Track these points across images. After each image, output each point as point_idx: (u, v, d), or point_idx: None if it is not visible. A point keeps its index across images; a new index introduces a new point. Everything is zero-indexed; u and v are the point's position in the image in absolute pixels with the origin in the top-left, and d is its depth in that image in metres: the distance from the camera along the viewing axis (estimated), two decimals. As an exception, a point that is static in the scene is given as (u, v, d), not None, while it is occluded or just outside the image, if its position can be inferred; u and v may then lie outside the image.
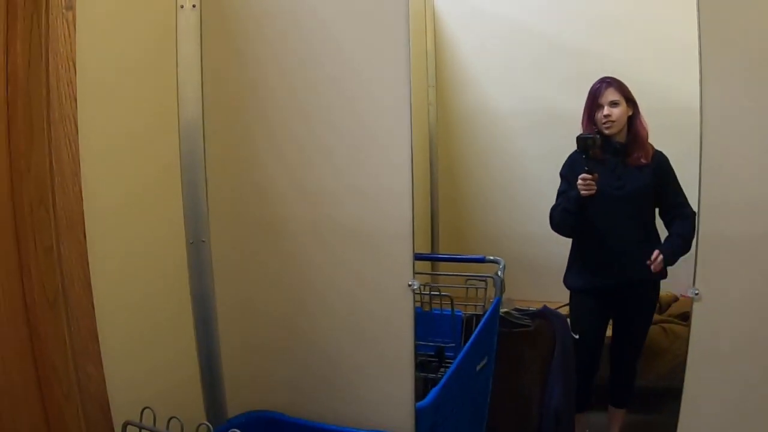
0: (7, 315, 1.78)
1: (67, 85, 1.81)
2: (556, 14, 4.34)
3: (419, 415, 2.23)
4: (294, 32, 2.25)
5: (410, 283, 2.20)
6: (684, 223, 3.16)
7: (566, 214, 3.26)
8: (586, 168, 3.11)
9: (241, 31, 2.31)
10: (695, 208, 2.04)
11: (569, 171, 3.32)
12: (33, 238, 1.81)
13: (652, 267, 3.08)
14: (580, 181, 3.11)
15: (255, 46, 2.30)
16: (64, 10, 1.80)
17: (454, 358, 2.81)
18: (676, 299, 4.15)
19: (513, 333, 3.12)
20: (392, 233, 2.21)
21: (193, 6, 2.28)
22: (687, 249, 3.11)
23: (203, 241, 2.37)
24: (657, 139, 3.33)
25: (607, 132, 3.24)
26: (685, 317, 3.86)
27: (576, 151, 3.27)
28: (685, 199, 3.23)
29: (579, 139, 3.17)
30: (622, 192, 3.22)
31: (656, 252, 3.10)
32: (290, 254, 2.38)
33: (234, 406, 2.49)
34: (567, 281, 3.43)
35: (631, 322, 3.39)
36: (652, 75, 4.12)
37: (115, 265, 2.04)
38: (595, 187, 3.10)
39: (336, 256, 2.32)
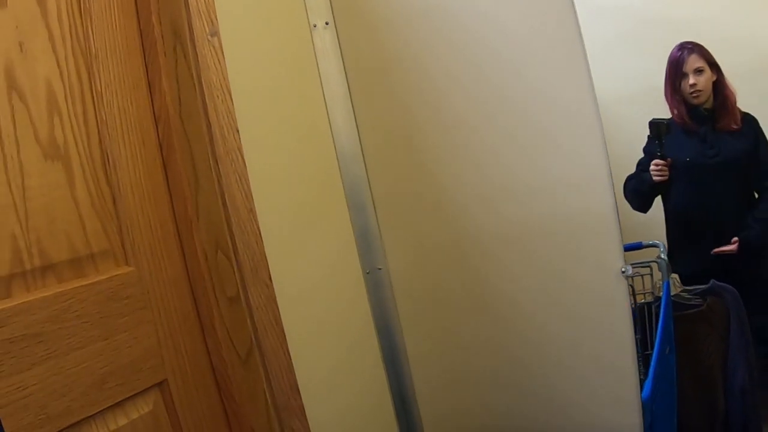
0: (194, 382, 1.49)
1: (227, 115, 1.52)
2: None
3: (644, 408, 1.88)
4: (453, 27, 1.92)
5: (623, 269, 1.82)
6: None
7: (636, 194, 3.06)
8: (659, 153, 2.87)
9: (389, 38, 1.99)
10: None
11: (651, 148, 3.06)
12: (213, 290, 1.52)
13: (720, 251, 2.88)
14: (652, 167, 2.88)
15: (408, 50, 1.97)
16: (209, 37, 1.51)
17: (638, 352, 2.45)
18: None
19: (685, 315, 2.76)
20: (595, 218, 1.85)
21: (326, 24, 2.00)
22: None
23: (380, 269, 2.05)
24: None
25: (694, 102, 2.97)
26: None
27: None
28: None
29: (651, 124, 2.93)
30: (718, 159, 2.93)
31: (733, 243, 2.89)
32: (481, 266, 2.01)
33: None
34: (674, 266, 3.04)
35: (759, 292, 2.97)
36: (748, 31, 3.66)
37: (297, 307, 1.72)
38: (668, 173, 2.86)
39: (533, 257, 1.94)
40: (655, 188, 2.94)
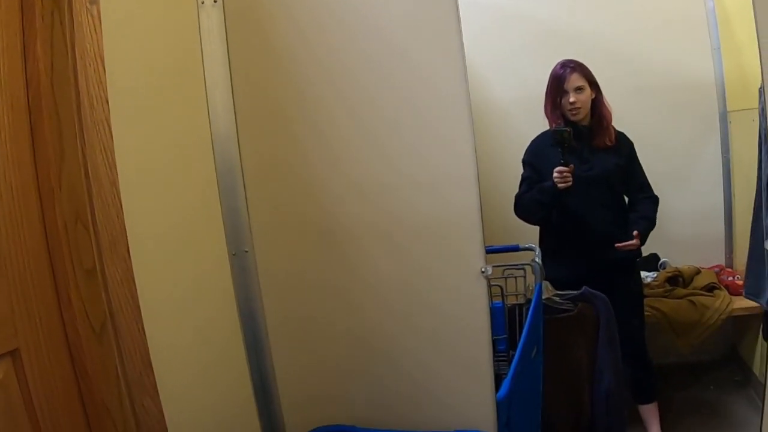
0: (47, 353, 1.47)
1: (98, 86, 1.50)
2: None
3: (498, 408, 1.96)
4: (331, 21, 1.97)
5: (483, 269, 1.91)
6: (651, 207, 3.16)
7: (538, 205, 3.09)
8: (562, 161, 2.93)
9: (272, 24, 2.01)
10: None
11: (534, 158, 3.18)
12: (71, 261, 1.50)
13: (624, 246, 3.01)
14: (556, 174, 2.93)
15: (288, 39, 2.01)
16: (88, 5, 1.50)
17: (505, 351, 2.54)
18: (698, 272, 3.96)
19: (556, 319, 2.84)
20: (458, 220, 1.93)
21: (215, 1, 1.99)
22: (651, 229, 3.12)
23: (246, 251, 2.07)
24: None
25: (573, 118, 3.08)
26: (710, 288, 3.77)
27: (539, 136, 3.19)
28: (647, 181, 3.21)
29: (554, 132, 3.01)
30: (592, 173, 3.06)
31: (635, 237, 3.02)
32: (344, 256, 2.07)
33: (294, 426, 2.17)
34: (546, 273, 3.12)
35: (625, 302, 3.12)
36: (652, 51, 4.00)
37: (159, 285, 1.72)
38: (572, 180, 2.92)
39: (397, 253, 2.01)
40: (557, 196, 2.99)
